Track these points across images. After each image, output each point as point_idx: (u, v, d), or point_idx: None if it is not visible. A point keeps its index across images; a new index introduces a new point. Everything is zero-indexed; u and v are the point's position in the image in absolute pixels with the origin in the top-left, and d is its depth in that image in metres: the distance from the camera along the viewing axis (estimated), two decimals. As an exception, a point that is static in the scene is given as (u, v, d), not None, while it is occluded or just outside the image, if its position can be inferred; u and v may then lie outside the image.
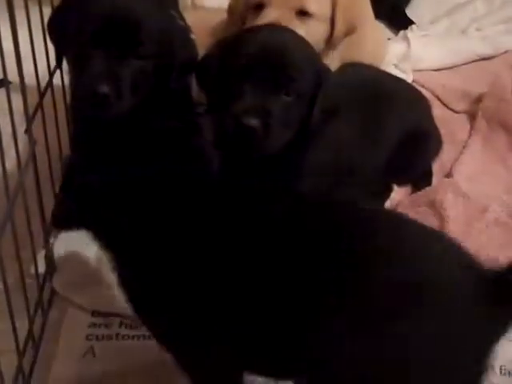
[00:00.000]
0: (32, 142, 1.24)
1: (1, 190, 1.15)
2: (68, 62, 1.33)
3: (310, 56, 1.31)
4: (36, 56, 1.35)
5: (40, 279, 1.39)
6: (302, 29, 1.47)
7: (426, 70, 2.02)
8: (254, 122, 1.19)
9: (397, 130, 1.49)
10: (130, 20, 1.23)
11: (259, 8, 1.50)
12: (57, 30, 1.30)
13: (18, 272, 1.25)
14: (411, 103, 1.54)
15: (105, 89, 1.20)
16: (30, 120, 1.24)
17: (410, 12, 2.31)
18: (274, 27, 1.34)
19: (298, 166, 1.35)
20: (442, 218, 1.50)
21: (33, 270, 1.37)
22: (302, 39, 1.33)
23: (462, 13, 2.27)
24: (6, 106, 1.16)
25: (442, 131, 1.63)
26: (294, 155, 1.32)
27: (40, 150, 1.32)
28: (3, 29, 1.10)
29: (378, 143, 1.47)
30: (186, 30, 1.37)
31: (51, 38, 1.34)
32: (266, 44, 1.25)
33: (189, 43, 1.36)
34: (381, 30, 1.97)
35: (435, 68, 2.04)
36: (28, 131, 1.24)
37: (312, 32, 1.50)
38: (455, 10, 2.30)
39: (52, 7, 1.40)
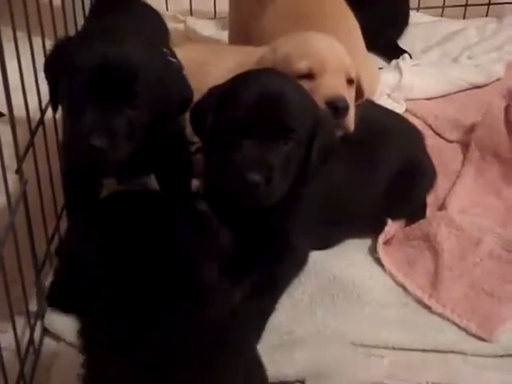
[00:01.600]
0: (23, 182, 1.23)
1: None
2: (62, 107, 1.32)
3: (307, 103, 1.32)
4: (26, 90, 1.33)
5: (31, 318, 1.38)
6: (351, 96, 1.47)
7: (419, 99, 2.02)
8: (257, 177, 1.20)
9: (391, 165, 1.50)
10: (124, 71, 1.21)
11: (308, 77, 1.46)
12: (52, 75, 1.29)
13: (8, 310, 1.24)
14: (405, 137, 1.55)
15: (98, 142, 1.19)
16: (20, 160, 1.23)
17: (402, 41, 2.32)
18: (269, 74, 1.33)
19: (291, 206, 1.36)
20: (436, 252, 1.49)
21: (24, 308, 1.35)
22: (297, 85, 1.34)
23: (454, 41, 2.29)
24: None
25: (435, 161, 1.64)
26: (290, 197, 1.32)
27: (30, 188, 1.31)
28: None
29: (373, 179, 1.47)
30: (179, 69, 1.37)
31: (47, 81, 1.32)
32: (264, 94, 1.25)
33: (183, 83, 1.36)
34: (372, 61, 1.98)
35: (427, 97, 2.04)
36: (19, 171, 1.23)
37: (352, 96, 1.50)
38: (447, 38, 2.32)
39: (43, 38, 1.39)
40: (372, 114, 1.49)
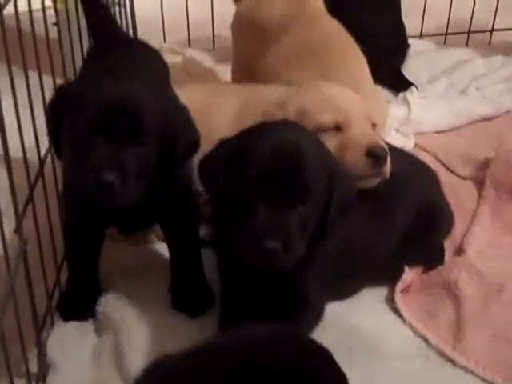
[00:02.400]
0: (23, 242, 1.16)
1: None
2: (62, 152, 1.27)
3: (325, 157, 1.25)
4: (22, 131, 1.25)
5: (32, 380, 1.30)
6: None
7: (427, 133, 1.97)
8: (275, 245, 1.15)
9: (407, 210, 1.43)
10: (130, 109, 1.19)
11: (333, 130, 1.40)
12: (55, 118, 1.26)
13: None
14: (420, 180, 1.48)
15: (109, 177, 1.15)
16: (20, 218, 1.16)
17: (406, 70, 2.27)
18: (285, 127, 1.26)
19: (307, 261, 1.29)
20: (457, 299, 1.42)
21: (24, 369, 1.28)
22: (314, 140, 1.27)
23: (461, 71, 2.24)
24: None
25: (449, 200, 1.58)
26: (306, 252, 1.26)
27: (30, 247, 1.24)
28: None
29: (389, 227, 1.41)
30: (185, 110, 1.32)
31: (48, 125, 1.28)
32: (280, 151, 1.18)
33: (190, 126, 1.31)
34: (381, 94, 1.93)
35: (437, 130, 1.99)
36: (18, 230, 1.16)
37: None
38: (453, 68, 2.27)
39: (39, 74, 1.33)
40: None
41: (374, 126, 1.43)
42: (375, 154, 1.35)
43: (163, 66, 1.72)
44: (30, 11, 1.31)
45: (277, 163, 1.16)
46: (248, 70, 1.89)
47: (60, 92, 1.27)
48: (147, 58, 1.66)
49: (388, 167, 1.38)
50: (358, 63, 1.85)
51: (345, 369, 1.29)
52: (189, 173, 1.37)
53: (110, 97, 1.19)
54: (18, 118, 1.20)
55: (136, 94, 1.21)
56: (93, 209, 1.26)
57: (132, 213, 1.32)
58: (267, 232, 1.14)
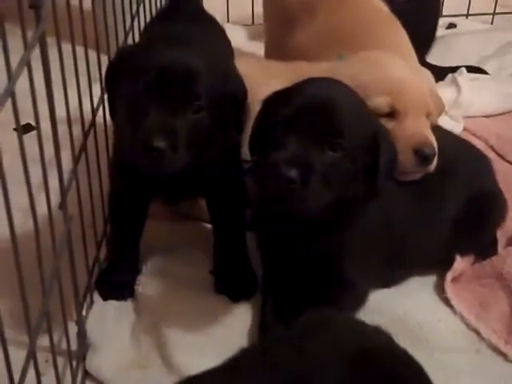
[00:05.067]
0: (67, 219, 1.12)
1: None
2: (117, 117, 1.25)
3: (364, 115, 1.21)
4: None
5: (72, 358, 1.28)
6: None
7: (477, 117, 1.89)
8: (292, 173, 1.10)
9: (459, 197, 1.38)
10: (186, 72, 1.17)
11: (388, 115, 1.34)
12: (112, 80, 1.25)
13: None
14: (473, 166, 1.42)
15: (161, 144, 1.13)
16: (64, 194, 1.12)
17: (454, 52, 2.18)
18: (329, 82, 1.23)
19: (349, 236, 1.25)
20: (510, 291, 1.36)
21: (64, 347, 1.25)
22: (358, 99, 1.23)
23: (511, 54, 2.14)
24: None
25: (502, 188, 1.51)
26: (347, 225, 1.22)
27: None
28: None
29: (439, 213, 1.36)
30: (240, 77, 1.30)
31: (106, 88, 1.28)
32: (315, 96, 1.17)
33: (240, 82, 1.29)
34: (429, 76, 1.84)
35: (487, 114, 1.90)
36: (63, 206, 1.13)
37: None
38: (503, 50, 2.17)
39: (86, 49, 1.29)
40: (438, 141, 1.36)
41: (428, 114, 1.36)
42: (424, 154, 1.29)
43: (228, 43, 1.69)
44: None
45: (310, 106, 1.15)
46: (279, 48, 1.83)
47: (119, 54, 1.26)
48: (213, 32, 1.64)
49: (434, 165, 1.32)
50: (404, 45, 1.76)
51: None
52: (238, 143, 1.34)
53: (165, 60, 1.17)
54: (65, 91, 1.16)
55: (192, 59, 1.19)
56: (142, 175, 1.24)
57: (181, 181, 1.31)
58: (289, 161, 1.11)
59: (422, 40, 2.11)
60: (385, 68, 1.37)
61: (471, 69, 2.08)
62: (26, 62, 0.89)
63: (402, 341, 1.29)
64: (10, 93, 0.84)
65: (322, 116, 1.15)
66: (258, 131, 1.24)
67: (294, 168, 1.10)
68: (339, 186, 1.16)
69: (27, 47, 0.89)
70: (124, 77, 1.21)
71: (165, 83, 1.16)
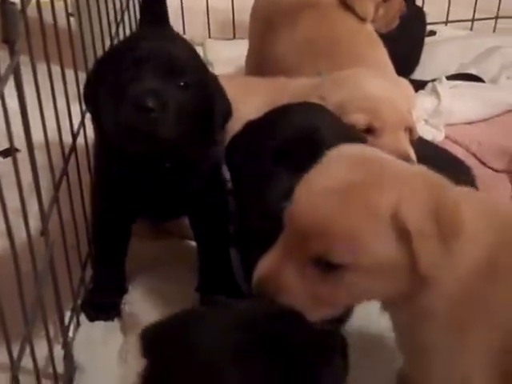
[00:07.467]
0: (49, 245, 1.12)
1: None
2: (102, 100, 1.25)
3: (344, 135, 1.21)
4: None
5: (59, 381, 1.27)
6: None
7: (458, 124, 1.90)
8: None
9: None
10: (172, 49, 1.24)
11: (366, 131, 1.36)
12: (99, 74, 1.27)
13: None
14: (455, 178, 1.43)
15: (152, 103, 1.16)
16: (46, 220, 1.12)
17: (434, 60, 2.19)
18: (307, 107, 1.25)
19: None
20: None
21: (50, 370, 1.25)
22: (334, 119, 1.25)
23: (491, 60, 2.16)
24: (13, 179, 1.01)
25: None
26: None
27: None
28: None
29: None
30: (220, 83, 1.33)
31: (89, 82, 1.30)
32: (301, 125, 1.18)
33: (225, 95, 1.32)
34: (405, 83, 1.85)
35: (468, 121, 1.91)
36: (45, 233, 1.13)
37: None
38: (482, 56, 2.19)
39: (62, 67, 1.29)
40: (420, 153, 1.37)
41: (407, 129, 1.38)
42: None
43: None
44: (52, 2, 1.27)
45: (297, 135, 1.16)
46: (259, 56, 1.84)
47: (106, 53, 1.33)
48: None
49: None
50: (376, 53, 1.78)
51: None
52: (220, 155, 1.35)
53: (152, 41, 1.23)
54: (42, 116, 1.17)
55: (176, 43, 1.27)
56: (125, 195, 1.27)
57: (163, 201, 1.32)
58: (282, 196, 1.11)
59: (408, 64, 2.14)
60: (360, 85, 1.39)
61: (467, 77, 2.09)
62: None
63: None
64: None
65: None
66: (239, 158, 1.26)
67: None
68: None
69: (0, 80, 0.89)
70: (110, 64, 1.24)
71: (153, 58, 1.20)
